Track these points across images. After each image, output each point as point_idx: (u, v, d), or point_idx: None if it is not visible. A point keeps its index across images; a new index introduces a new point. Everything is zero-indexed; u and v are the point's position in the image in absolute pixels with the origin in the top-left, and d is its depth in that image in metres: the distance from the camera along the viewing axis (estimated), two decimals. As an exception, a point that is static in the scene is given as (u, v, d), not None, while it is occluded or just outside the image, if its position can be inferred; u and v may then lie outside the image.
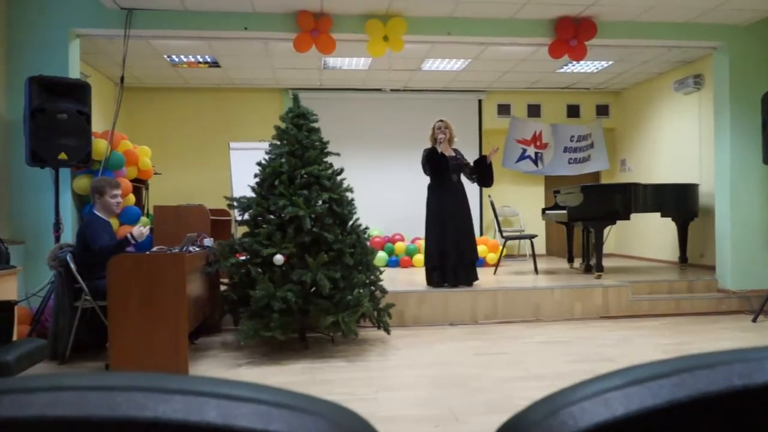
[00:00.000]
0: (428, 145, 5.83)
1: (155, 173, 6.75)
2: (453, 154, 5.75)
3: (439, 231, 5.64)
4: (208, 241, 4.74)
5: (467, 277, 5.70)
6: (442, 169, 5.59)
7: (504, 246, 7.20)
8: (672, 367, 0.31)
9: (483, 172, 5.83)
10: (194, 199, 6.93)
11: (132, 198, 5.89)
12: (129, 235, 4.09)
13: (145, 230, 4.14)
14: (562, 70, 8.29)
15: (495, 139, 9.41)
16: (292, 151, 4.48)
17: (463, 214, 5.72)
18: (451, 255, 5.58)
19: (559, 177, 9.28)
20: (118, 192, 4.36)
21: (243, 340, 4.13)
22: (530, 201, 9.47)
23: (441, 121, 5.77)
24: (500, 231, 7.32)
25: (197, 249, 4.44)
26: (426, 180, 5.87)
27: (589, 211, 6.34)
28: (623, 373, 0.32)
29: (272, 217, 4.38)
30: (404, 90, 9.23)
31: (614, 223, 6.46)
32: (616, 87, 9.36)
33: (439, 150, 5.60)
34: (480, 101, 9.43)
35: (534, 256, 7.09)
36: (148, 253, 4.06)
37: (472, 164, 5.86)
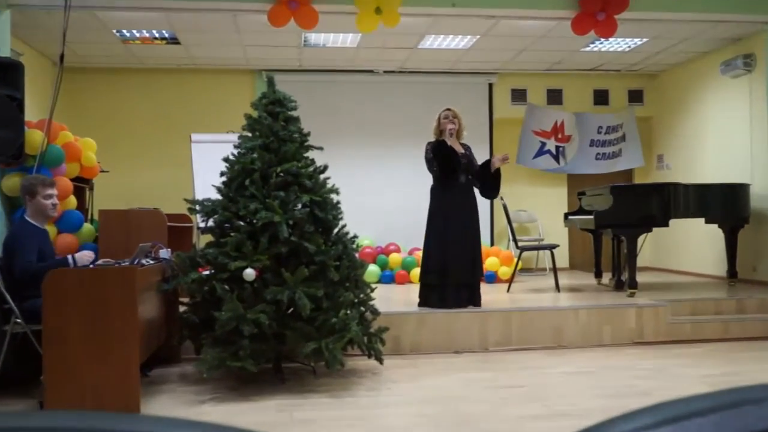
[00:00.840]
0: (430, 137, 5.85)
1: (101, 171, 6.72)
2: (462, 150, 5.78)
3: (440, 241, 5.65)
4: (164, 253, 4.72)
5: (472, 298, 5.71)
6: (451, 167, 5.61)
7: (519, 258, 7.23)
8: (713, 402, 0.30)
9: (487, 181, 5.85)
10: (148, 202, 6.91)
11: (73, 200, 5.86)
12: (70, 258, 4.05)
13: (90, 255, 4.12)
14: (587, 49, 8.35)
15: (508, 131, 9.45)
16: (266, 144, 4.48)
17: (471, 221, 5.73)
18: (452, 272, 5.60)
19: (585, 176, 9.33)
20: (53, 191, 4.30)
21: (206, 371, 4.11)
22: (550, 204, 9.53)
23: (449, 110, 5.80)
24: (515, 240, 7.34)
25: (151, 262, 4.43)
26: (426, 180, 5.88)
27: (620, 217, 6.38)
28: (656, 409, 0.32)
29: (242, 223, 4.38)
30: (400, 72, 9.27)
31: (650, 231, 6.50)
32: (652, 69, 9.44)
33: (449, 143, 5.63)
34: (490, 85, 9.49)
35: (555, 270, 7.12)
36: (91, 267, 4.04)
37: (480, 166, 5.89)
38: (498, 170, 5.86)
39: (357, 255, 4.64)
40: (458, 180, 5.68)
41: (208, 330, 4.28)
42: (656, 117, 9.75)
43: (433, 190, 5.83)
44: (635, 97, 9.76)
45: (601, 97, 9.72)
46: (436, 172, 5.71)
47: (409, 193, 8.93)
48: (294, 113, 4.68)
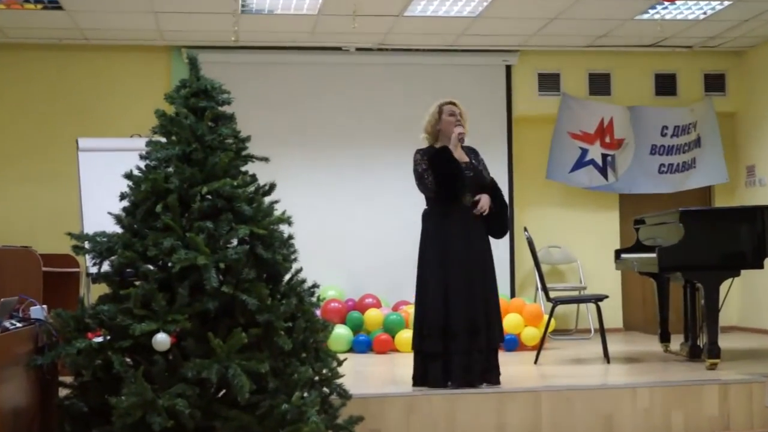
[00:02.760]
0: (419, 142, 5.88)
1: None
2: (467, 159, 5.80)
3: (439, 290, 5.64)
4: (37, 311, 4.67)
5: (487, 373, 5.70)
6: (454, 185, 5.62)
7: (551, 315, 7.24)
8: None
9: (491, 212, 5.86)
10: (14, 238, 6.85)
11: None
12: None
13: None
14: (645, 16, 8.48)
15: (534, 133, 9.54)
16: (187, 154, 4.47)
17: (483, 261, 5.75)
18: (459, 335, 5.59)
19: (644, 196, 9.42)
20: None
21: (98, 484, 4.05)
22: (595, 237, 9.59)
23: (452, 103, 5.81)
24: (544, 290, 7.36)
25: (18, 325, 4.38)
26: (418, 202, 5.90)
27: (695, 255, 6.42)
28: None
29: (151, 268, 4.35)
30: (379, 50, 9.35)
31: (737, 275, 6.53)
32: (738, 45, 9.60)
33: (455, 154, 5.64)
34: (508, 68, 9.61)
35: (603, 332, 7.13)
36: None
37: (493, 183, 5.92)
38: (503, 206, 5.91)
39: (318, 312, 4.63)
40: (461, 202, 5.69)
41: (101, 423, 4.23)
42: (744, 112, 9.89)
43: (427, 217, 5.82)
44: (714, 84, 9.91)
45: (665, 85, 9.87)
46: (431, 191, 5.71)
47: (392, 221, 8.95)
48: (227, 109, 4.68)
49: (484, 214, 5.69)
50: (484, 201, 5.69)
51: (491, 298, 5.76)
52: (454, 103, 5.80)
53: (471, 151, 5.87)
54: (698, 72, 9.87)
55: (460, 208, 5.69)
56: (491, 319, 5.71)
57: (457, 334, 5.58)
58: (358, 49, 9.30)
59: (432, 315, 5.64)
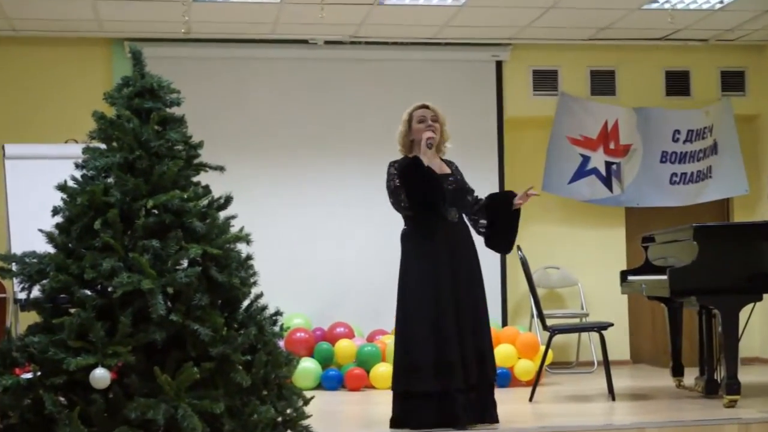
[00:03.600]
0: (396, 152, 5.90)
1: None
2: (448, 170, 5.81)
3: (428, 321, 5.64)
4: (-43, 344, 4.66)
5: (482, 412, 5.71)
6: (432, 198, 5.65)
7: (549, 345, 7.25)
8: None
9: (501, 222, 5.88)
10: (-69, 259, 6.81)
11: None
12: None
13: None
14: (654, 6, 8.54)
15: (528, 137, 9.58)
16: (130, 162, 4.46)
17: (472, 283, 5.75)
18: (448, 369, 5.59)
19: (654, 210, 9.46)
20: None
21: None
22: (598, 257, 9.64)
23: (425, 106, 5.82)
24: (540, 317, 7.37)
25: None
26: (397, 218, 5.91)
27: (712, 277, 6.45)
28: None
29: (88, 293, 4.34)
30: (351, 44, 9.36)
31: (759, 299, 6.56)
32: (759, 38, 9.66)
33: (426, 161, 5.64)
34: (499, 64, 9.66)
35: (607, 364, 7.15)
36: None
37: (477, 197, 5.94)
38: (518, 211, 5.93)
39: (282, 344, 4.63)
40: (446, 217, 5.71)
41: (31, 472, 4.21)
42: (766, 114, 9.97)
43: (407, 238, 5.82)
44: (732, 83, 9.98)
45: (677, 84, 9.94)
46: (407, 209, 5.73)
47: (368, 240, 8.96)
48: (177, 111, 4.69)
49: (523, 203, 5.85)
50: (522, 197, 5.87)
51: (484, 326, 5.77)
52: (426, 106, 5.80)
53: (451, 165, 5.90)
54: (714, 69, 9.94)
55: (445, 225, 5.69)
56: (484, 349, 5.72)
57: (451, 369, 5.56)
58: (327, 43, 9.31)
59: (420, 349, 5.60)
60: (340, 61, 9.41)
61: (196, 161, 4.64)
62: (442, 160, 5.86)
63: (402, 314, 5.76)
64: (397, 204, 5.76)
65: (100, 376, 4.10)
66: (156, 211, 4.39)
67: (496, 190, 9.10)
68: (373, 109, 9.09)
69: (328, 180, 9.26)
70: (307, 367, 7.95)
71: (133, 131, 4.51)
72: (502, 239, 5.97)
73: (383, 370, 7.75)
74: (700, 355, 7.44)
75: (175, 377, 4.12)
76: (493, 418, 5.71)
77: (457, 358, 5.56)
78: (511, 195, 5.97)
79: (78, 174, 4.56)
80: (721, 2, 8.45)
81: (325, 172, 9.26)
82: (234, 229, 4.58)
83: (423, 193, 5.63)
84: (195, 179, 4.61)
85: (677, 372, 7.62)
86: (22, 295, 4.60)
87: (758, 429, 5.87)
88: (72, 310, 4.29)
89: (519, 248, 7.21)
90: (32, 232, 4.70)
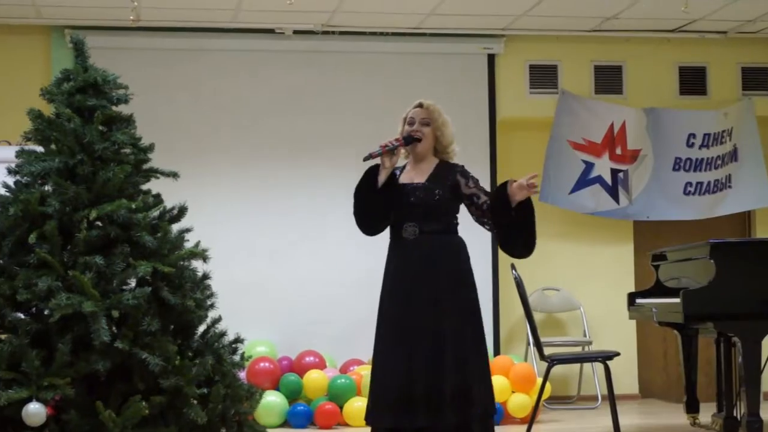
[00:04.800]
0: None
1: None
2: (420, 180, 5.72)
3: (395, 347, 5.63)
4: None
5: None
6: (370, 212, 5.68)
7: (547, 377, 7.25)
8: None
9: (510, 222, 5.81)
10: None
11: None
12: None
13: None
14: (665, -6, 8.59)
15: (524, 141, 9.60)
16: (70, 167, 4.45)
17: (440, 311, 5.67)
18: (423, 405, 5.56)
19: (666, 224, 9.49)
20: None
21: None
22: (603, 277, 9.66)
23: (420, 106, 5.77)
24: (537, 345, 7.37)
25: None
26: (374, 237, 5.90)
27: (730, 300, 6.46)
28: None
29: (22, 316, 4.32)
30: (324, 33, 9.36)
31: (784, 326, 6.60)
32: (782, 31, 9.73)
33: (387, 165, 5.62)
34: (491, 58, 9.68)
35: (612, 399, 7.15)
36: None
37: (485, 198, 5.88)
38: (528, 206, 5.80)
39: (243, 375, 4.62)
40: (401, 235, 5.65)
41: None
42: (793, 117, 9.99)
43: (389, 251, 5.88)
44: (754, 81, 10.02)
45: (692, 82, 9.98)
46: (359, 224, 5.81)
47: (342, 258, 8.94)
48: (124, 109, 4.68)
49: (524, 195, 5.58)
50: (517, 186, 5.54)
51: (466, 358, 5.71)
52: (420, 105, 5.75)
53: (446, 170, 5.83)
54: (734, 65, 9.98)
55: (401, 244, 5.67)
56: (468, 385, 5.68)
57: (420, 403, 5.49)
58: (296, 32, 9.31)
59: (387, 378, 5.56)
60: (310, 53, 9.40)
61: (146, 166, 4.64)
62: (443, 165, 5.81)
63: (376, 342, 5.76)
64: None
65: (35, 411, 4.08)
66: (100, 223, 4.39)
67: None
68: (348, 108, 9.09)
69: (299, 187, 9.24)
70: (272, 401, 7.91)
71: (74, 132, 4.50)
72: (514, 243, 5.90)
73: (358, 406, 7.73)
74: (718, 389, 7.45)
75: (120, 413, 4.11)
76: None
77: (425, 392, 5.48)
78: (505, 187, 5.81)
79: (11, 180, 4.55)
80: (741, -9, 8.51)
81: (295, 179, 9.24)
82: (189, 244, 4.57)
83: (360, 209, 5.71)
84: (144, 187, 4.61)
85: (692, 408, 7.61)
86: (-54, 319, 4.57)
87: (783, 473, 5.91)
88: (2, 336, 4.27)
89: (513, 267, 7.18)
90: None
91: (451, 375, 5.58)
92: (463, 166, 5.87)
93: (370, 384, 5.72)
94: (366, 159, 5.52)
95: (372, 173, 5.62)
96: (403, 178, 5.70)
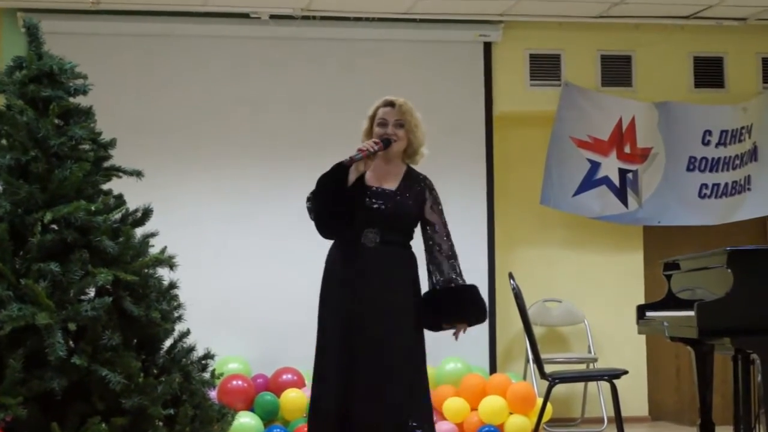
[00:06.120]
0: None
1: None
2: (392, 187, 5.73)
3: (317, 356, 5.84)
4: None
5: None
6: (331, 207, 5.72)
7: (548, 397, 7.25)
8: None
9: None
10: None
11: None
12: None
13: None
14: (679, -23, 8.60)
15: (523, 138, 9.60)
16: (23, 164, 4.45)
17: (381, 321, 5.69)
18: (325, 416, 5.63)
19: (679, 230, 9.51)
20: None
21: None
22: (610, 287, 9.67)
23: (390, 104, 5.77)
24: (538, 362, 7.37)
25: None
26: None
27: (749, 313, 6.48)
28: None
29: (-31, 330, 4.31)
30: (304, 18, 9.35)
31: (807, 342, 6.62)
32: (806, 18, 9.75)
33: (361, 168, 5.61)
34: (487, 46, 9.68)
35: (620, 421, 7.17)
36: None
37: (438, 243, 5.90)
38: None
39: (214, 394, 4.61)
40: (359, 240, 5.72)
41: None
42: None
43: (327, 257, 6.04)
44: (775, 72, 10.07)
45: (708, 73, 9.99)
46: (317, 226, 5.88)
47: (320, 266, 8.92)
48: (83, 100, 4.66)
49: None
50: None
51: (400, 371, 5.70)
52: (391, 104, 5.74)
53: (414, 181, 5.85)
54: (753, 56, 10.01)
55: (357, 251, 5.74)
56: (397, 401, 5.68)
57: (325, 419, 5.63)
58: (273, 17, 9.29)
59: (314, 392, 5.83)
60: (288, 40, 9.40)
61: (106, 164, 4.63)
62: (411, 172, 5.83)
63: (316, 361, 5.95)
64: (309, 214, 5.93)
65: (-17, 434, 4.07)
66: (55, 227, 4.38)
67: (483, 200, 9.18)
68: (329, 100, 9.09)
69: (273, 188, 9.23)
70: (246, 423, 7.89)
71: (27, 126, 4.49)
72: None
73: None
74: (735, 410, 7.46)
75: (77, 436, 4.09)
76: None
77: (333, 407, 5.60)
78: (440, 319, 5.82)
79: (-43, 179, 4.53)
80: (762, -26, 8.53)
81: (269, 179, 9.25)
82: (154, 250, 4.57)
83: (321, 207, 5.79)
84: (105, 187, 4.61)
85: (707, 430, 7.66)
86: None
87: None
88: (-54, 352, 4.26)
89: (511, 276, 7.18)
90: None
91: (383, 389, 5.64)
92: (429, 180, 5.90)
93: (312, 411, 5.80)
94: (348, 165, 5.56)
95: (341, 169, 5.63)
96: (370, 179, 5.73)
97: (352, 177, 5.59)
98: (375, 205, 5.68)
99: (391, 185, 5.76)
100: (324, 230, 5.82)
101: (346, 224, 5.69)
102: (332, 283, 5.86)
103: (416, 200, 5.79)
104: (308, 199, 5.90)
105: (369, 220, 5.67)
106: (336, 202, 5.67)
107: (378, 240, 5.70)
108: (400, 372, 5.69)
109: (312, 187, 8.91)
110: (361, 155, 5.51)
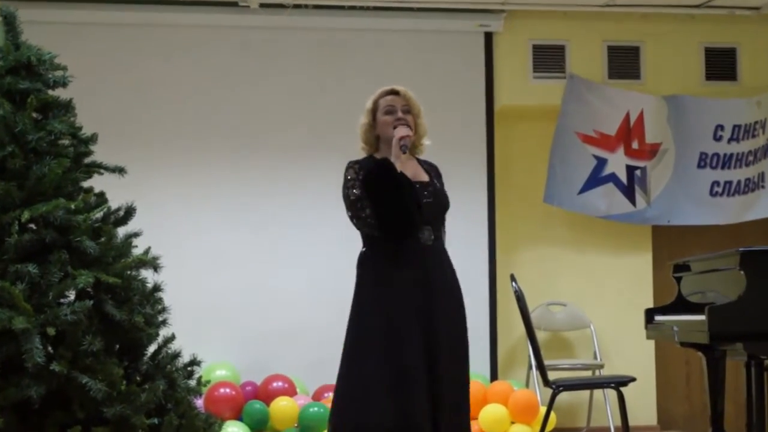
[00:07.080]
0: (355, 151, 5.87)
1: None
2: (425, 177, 5.74)
3: (388, 376, 5.52)
4: None
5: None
6: (405, 216, 5.58)
7: (551, 406, 7.27)
8: None
9: None
10: None
11: None
12: None
13: None
14: (690, -37, 8.61)
15: (527, 133, 9.62)
16: None
17: (453, 324, 5.72)
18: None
19: (689, 229, 9.52)
20: None
21: None
22: (617, 290, 9.69)
23: (394, 93, 5.75)
24: (541, 368, 7.39)
25: None
26: (354, 239, 5.90)
27: (763, 317, 6.49)
28: None
29: (-58, 334, 4.32)
30: (296, 7, 9.33)
31: (825, 349, 6.63)
32: (825, 6, 9.74)
33: (398, 165, 5.57)
34: (488, 36, 9.71)
35: (627, 430, 7.18)
36: None
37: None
38: None
39: (200, 403, 4.62)
40: (419, 238, 5.66)
41: None
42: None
43: (367, 264, 5.77)
44: (792, 64, 10.05)
45: (720, 65, 10.01)
46: (372, 227, 5.62)
47: (315, 268, 8.96)
48: (63, 93, 4.67)
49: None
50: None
51: (465, 374, 5.75)
52: (395, 92, 5.73)
53: (430, 169, 5.87)
54: (766, 47, 10.02)
55: (417, 249, 5.62)
56: (461, 402, 5.71)
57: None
58: (262, 6, 9.29)
59: (374, 412, 5.48)
60: (279, 30, 9.41)
61: (87, 160, 4.64)
62: (419, 162, 5.83)
63: (349, 365, 5.62)
64: (357, 219, 5.64)
65: (-42, 444, 4.08)
66: (33, 226, 4.38)
67: (484, 199, 9.19)
68: (322, 93, 9.10)
69: (263, 185, 9.27)
70: (234, 433, 7.92)
71: (3, 120, 4.49)
72: None
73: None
74: (748, 419, 7.46)
75: (57, 446, 4.10)
76: None
77: (423, 420, 5.47)
78: None
79: (-70, 176, 4.54)
80: (778, -41, 8.54)
81: (258, 176, 9.27)
82: (137, 251, 4.57)
83: (395, 208, 5.51)
84: (86, 184, 4.61)
85: (718, 440, 7.68)
86: None
87: None
88: None
89: (513, 278, 7.18)
90: None
91: (454, 393, 5.63)
92: (435, 165, 5.91)
93: (350, 419, 5.55)
94: (404, 153, 5.52)
95: (385, 166, 5.51)
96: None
97: (399, 165, 5.52)
98: (427, 200, 5.65)
99: (423, 177, 5.76)
100: (401, 229, 5.56)
101: (415, 216, 5.54)
102: (392, 285, 5.60)
103: (439, 183, 5.83)
104: (350, 202, 5.65)
105: (424, 216, 5.61)
106: (399, 195, 5.49)
107: (432, 237, 5.67)
108: (468, 384, 5.79)
109: (305, 185, 8.95)
110: (406, 142, 5.51)
